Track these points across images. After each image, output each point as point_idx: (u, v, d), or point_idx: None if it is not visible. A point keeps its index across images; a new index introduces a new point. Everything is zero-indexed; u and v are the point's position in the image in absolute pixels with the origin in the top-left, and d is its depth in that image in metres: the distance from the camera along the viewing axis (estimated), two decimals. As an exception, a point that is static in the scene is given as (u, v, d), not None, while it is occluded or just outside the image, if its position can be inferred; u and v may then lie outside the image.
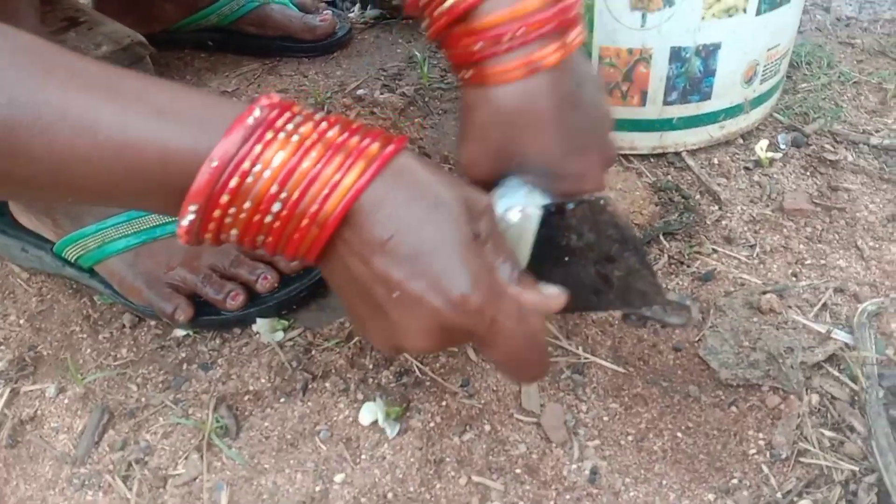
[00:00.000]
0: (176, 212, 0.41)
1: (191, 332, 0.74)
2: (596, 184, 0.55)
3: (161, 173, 0.40)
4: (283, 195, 0.40)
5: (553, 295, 0.49)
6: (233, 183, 0.39)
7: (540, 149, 0.53)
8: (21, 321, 0.78)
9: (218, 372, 0.71)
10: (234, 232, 0.42)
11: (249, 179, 0.40)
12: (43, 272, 0.82)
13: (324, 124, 0.42)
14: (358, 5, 1.21)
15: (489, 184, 0.53)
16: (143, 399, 0.69)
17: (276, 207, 0.41)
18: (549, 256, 0.52)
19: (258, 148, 0.39)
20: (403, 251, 0.42)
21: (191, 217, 0.40)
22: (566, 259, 0.52)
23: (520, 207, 0.50)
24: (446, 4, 0.50)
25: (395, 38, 1.19)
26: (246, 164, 0.39)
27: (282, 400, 0.68)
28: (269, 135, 0.40)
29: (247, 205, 0.40)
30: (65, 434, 0.68)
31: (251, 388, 0.69)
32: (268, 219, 0.41)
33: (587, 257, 0.52)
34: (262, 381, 0.69)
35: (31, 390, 0.71)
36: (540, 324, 0.48)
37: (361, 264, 0.44)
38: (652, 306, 0.53)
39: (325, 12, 1.14)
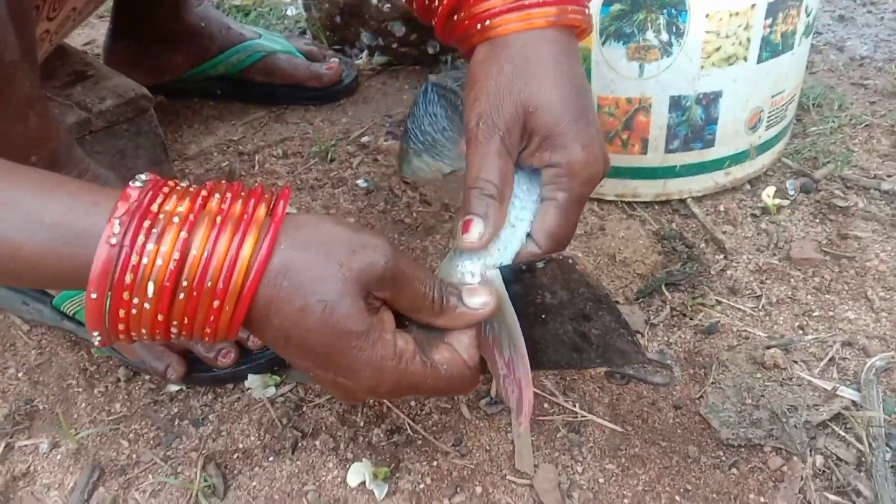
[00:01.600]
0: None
1: (183, 388, 0.73)
2: (602, 166, 0.54)
3: (45, 280, 0.43)
4: (174, 321, 0.42)
5: (479, 306, 0.50)
6: (121, 314, 0.40)
7: (547, 100, 0.53)
8: (20, 374, 0.78)
9: (209, 428, 0.70)
10: (146, 340, 0.44)
11: (134, 311, 0.40)
12: (43, 325, 0.82)
13: (198, 200, 0.42)
14: (365, 52, 1.22)
15: (495, 162, 0.52)
16: (133, 456, 0.69)
17: (174, 330, 0.42)
18: (526, 314, 0.51)
19: (129, 277, 0.39)
20: (305, 349, 0.45)
21: (98, 338, 0.42)
22: (543, 317, 0.52)
23: (478, 271, 0.51)
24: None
25: (401, 85, 1.19)
26: (125, 295, 0.40)
27: (270, 458, 0.67)
28: (134, 258, 0.40)
29: (143, 330, 0.42)
30: (56, 491, 0.67)
31: (241, 445, 0.68)
32: (171, 334, 0.43)
33: (563, 315, 0.51)
34: (252, 438, 0.68)
35: (26, 445, 0.71)
36: (456, 366, 0.49)
37: (275, 350, 0.47)
38: (633, 364, 0.52)
39: (331, 60, 1.15)
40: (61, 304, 0.76)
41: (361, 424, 0.68)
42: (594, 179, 0.54)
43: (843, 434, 0.64)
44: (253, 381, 0.71)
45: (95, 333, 0.41)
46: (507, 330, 0.50)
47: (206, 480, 0.65)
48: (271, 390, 0.72)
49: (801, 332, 0.74)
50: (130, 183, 0.41)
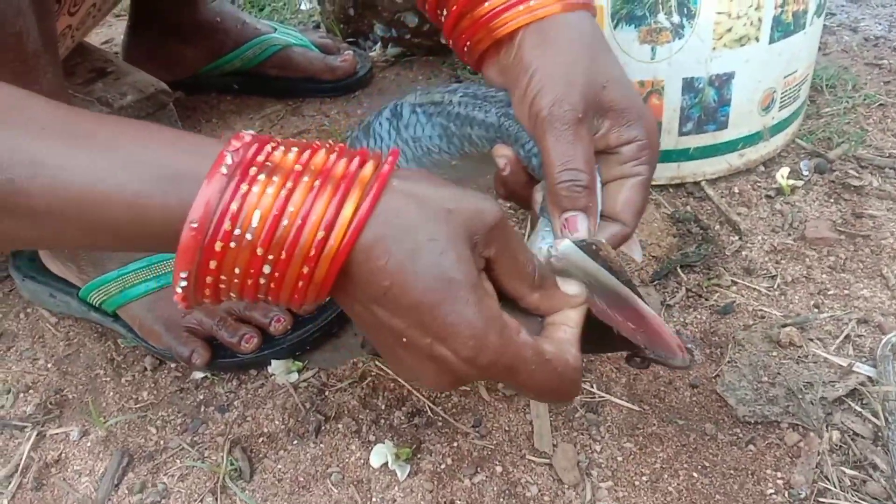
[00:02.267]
0: (173, 248, 0.39)
1: (209, 375, 0.75)
2: (658, 142, 0.54)
3: (138, 229, 0.39)
4: (271, 256, 0.39)
5: (574, 294, 0.47)
6: (217, 247, 0.38)
7: (616, 74, 0.52)
8: (49, 365, 0.80)
9: (234, 414, 0.72)
10: (232, 294, 0.41)
11: (233, 243, 0.38)
12: (70, 316, 0.84)
13: (306, 153, 0.40)
14: (379, 44, 1.23)
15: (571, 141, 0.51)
16: (161, 442, 0.70)
17: (266, 269, 0.39)
18: None
19: (234, 206, 0.38)
20: (404, 302, 0.40)
21: (183, 284, 0.39)
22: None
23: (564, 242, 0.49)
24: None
25: (415, 76, 1.20)
26: (227, 225, 0.38)
27: (295, 442, 0.68)
28: (244, 187, 0.38)
29: (237, 270, 0.39)
30: (87, 477, 0.69)
31: (265, 430, 0.70)
32: (262, 280, 0.40)
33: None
34: (277, 422, 0.70)
35: (57, 433, 0.73)
36: (562, 360, 0.45)
37: (366, 311, 0.42)
38: (654, 348, 0.53)
39: (346, 52, 1.16)
40: (87, 295, 0.78)
41: (383, 407, 0.70)
42: (659, 153, 0.54)
43: (859, 409, 0.65)
44: (276, 366, 0.73)
45: (183, 275, 0.39)
46: (614, 291, 0.49)
47: (232, 464, 0.67)
48: (294, 375, 0.73)
49: (816, 310, 0.74)
50: (239, 134, 0.40)
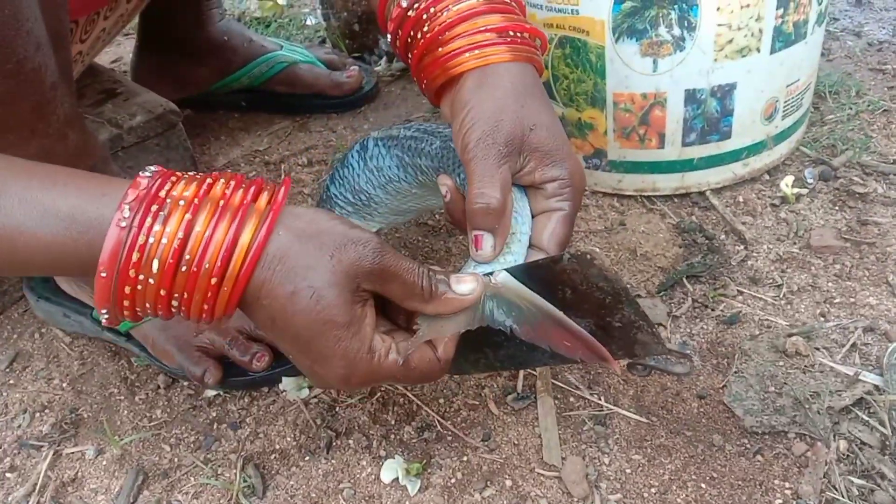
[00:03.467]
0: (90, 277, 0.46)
1: (221, 392, 0.76)
2: (582, 182, 0.59)
3: (59, 268, 0.47)
4: (175, 294, 0.45)
5: (466, 293, 0.52)
6: (126, 290, 0.44)
7: (544, 120, 0.57)
8: (64, 384, 0.81)
9: (246, 431, 0.72)
10: (149, 315, 0.48)
11: (139, 287, 0.44)
12: (84, 336, 0.85)
13: (205, 184, 0.46)
14: (384, 59, 1.25)
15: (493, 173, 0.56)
16: (175, 459, 0.71)
17: (174, 303, 0.46)
18: None
19: (136, 256, 0.44)
20: (287, 335, 0.48)
21: (105, 315, 0.46)
22: (566, 312, 0.53)
23: (496, 269, 0.54)
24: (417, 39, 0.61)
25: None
26: (131, 272, 0.44)
27: (306, 458, 0.69)
28: (141, 238, 0.44)
29: (147, 305, 0.46)
30: (103, 495, 0.70)
31: (277, 446, 0.71)
32: (172, 309, 0.46)
33: (583, 310, 0.52)
34: (288, 439, 0.71)
35: (73, 452, 0.74)
36: (429, 365, 0.52)
37: (263, 331, 0.52)
38: (653, 356, 0.54)
39: (351, 68, 1.17)
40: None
41: (393, 423, 0.71)
42: (584, 191, 0.60)
43: (866, 418, 0.65)
44: (287, 383, 0.74)
45: (104, 311, 0.46)
46: (542, 312, 0.53)
47: (245, 481, 0.68)
48: (305, 392, 0.74)
49: (822, 319, 0.75)
50: (140, 173, 0.46)
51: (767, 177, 0.92)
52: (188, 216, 0.44)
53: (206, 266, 0.44)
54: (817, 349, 0.71)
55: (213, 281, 0.45)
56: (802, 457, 0.64)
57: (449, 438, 0.69)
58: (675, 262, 0.83)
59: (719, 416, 0.68)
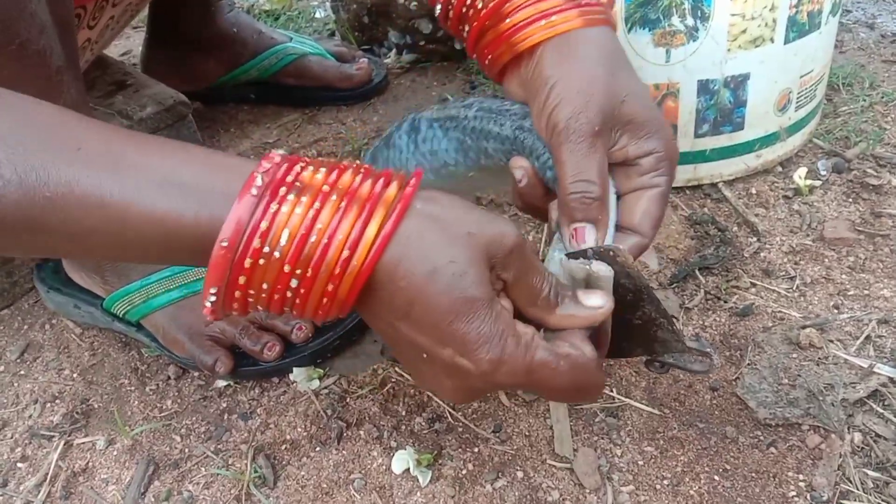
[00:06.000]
0: (202, 262, 0.41)
1: (231, 383, 0.76)
2: (677, 153, 0.55)
3: (170, 245, 0.41)
4: (298, 271, 0.40)
5: (596, 306, 0.47)
6: (247, 263, 0.40)
7: (635, 88, 0.53)
8: (75, 375, 0.81)
9: (257, 421, 0.72)
10: (259, 307, 0.43)
11: (261, 260, 0.40)
12: (95, 327, 0.85)
13: (334, 173, 0.42)
14: (394, 51, 1.24)
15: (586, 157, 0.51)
16: (186, 450, 0.71)
17: (293, 283, 0.41)
18: None
19: (264, 224, 0.39)
20: (426, 320, 0.42)
21: (212, 298, 0.41)
22: None
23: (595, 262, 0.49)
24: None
25: (430, 82, 1.21)
26: (256, 243, 0.39)
27: (317, 449, 0.69)
28: (273, 206, 0.39)
29: (264, 285, 0.41)
30: (114, 485, 0.70)
31: (288, 437, 0.70)
32: (289, 293, 0.41)
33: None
34: (299, 429, 0.71)
35: (83, 443, 0.74)
36: (580, 355, 0.46)
37: (388, 327, 0.44)
38: (673, 353, 0.53)
39: (361, 60, 1.17)
40: (111, 305, 0.79)
41: (403, 413, 0.70)
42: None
43: (880, 411, 0.65)
44: (298, 373, 0.74)
45: (211, 292, 0.41)
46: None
47: (256, 471, 0.68)
48: (315, 383, 0.74)
49: (836, 311, 0.74)
50: (270, 152, 0.42)
51: (780, 168, 0.92)
52: (320, 198, 0.40)
53: (338, 241, 0.40)
54: (831, 341, 0.71)
55: (345, 254, 0.40)
56: (816, 449, 0.63)
57: (460, 430, 0.69)
58: (687, 254, 0.83)
59: (732, 408, 0.67)
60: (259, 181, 0.40)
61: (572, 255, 0.51)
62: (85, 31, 0.81)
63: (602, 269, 0.48)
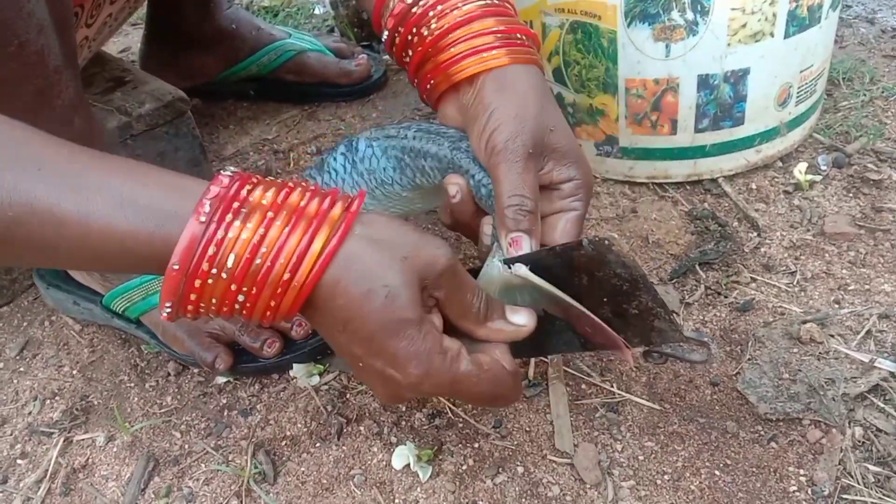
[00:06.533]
0: (156, 273, 0.45)
1: (231, 379, 0.76)
2: (592, 184, 0.61)
3: (127, 260, 0.44)
4: (244, 288, 0.45)
5: (520, 325, 0.53)
6: (196, 284, 0.44)
7: (561, 121, 0.59)
8: (74, 372, 0.81)
9: (257, 417, 0.72)
10: (210, 315, 0.47)
11: (210, 280, 0.44)
12: (94, 323, 0.85)
13: (283, 192, 0.45)
14: (393, 47, 1.24)
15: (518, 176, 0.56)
16: (186, 446, 0.71)
17: (240, 298, 0.45)
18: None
19: (212, 249, 0.43)
20: (360, 335, 0.47)
21: (168, 309, 0.45)
22: (583, 298, 0.53)
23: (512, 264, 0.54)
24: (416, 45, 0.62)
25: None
26: (205, 266, 0.43)
27: (317, 444, 0.69)
28: (220, 233, 0.43)
29: (213, 300, 0.45)
30: (114, 482, 0.70)
31: (288, 433, 0.70)
32: (237, 306, 0.46)
33: (600, 296, 0.52)
34: (299, 425, 0.71)
35: (83, 439, 0.74)
36: (499, 368, 0.52)
37: (328, 335, 0.50)
38: (671, 343, 0.53)
39: (360, 56, 1.16)
40: (111, 302, 0.79)
41: (403, 409, 0.70)
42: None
43: (881, 405, 0.65)
44: (298, 370, 0.74)
45: (167, 304, 0.45)
46: (564, 302, 0.53)
47: (256, 467, 0.68)
48: (315, 379, 0.74)
49: (836, 306, 0.74)
50: (221, 172, 0.45)
51: (780, 163, 0.92)
52: (266, 219, 0.44)
53: (280, 264, 0.44)
54: (832, 336, 0.71)
55: (286, 277, 0.44)
56: (817, 444, 0.63)
57: (460, 425, 0.68)
58: (687, 250, 0.83)
59: (733, 403, 0.67)
60: (206, 207, 0.43)
61: (509, 261, 0.54)
62: (83, 30, 0.81)
63: (521, 270, 0.53)
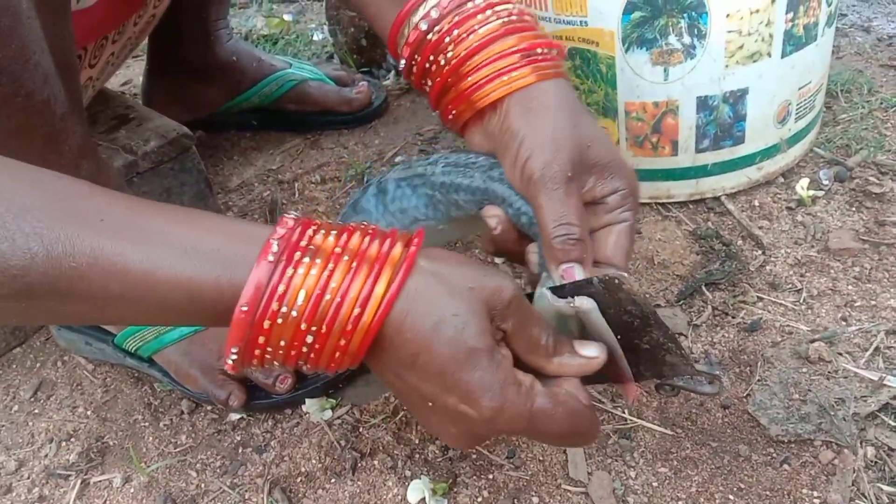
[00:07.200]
0: (223, 324, 0.44)
1: (245, 416, 0.77)
2: (638, 188, 0.59)
3: (192, 308, 0.43)
4: (314, 328, 0.43)
5: (591, 356, 0.50)
6: (265, 325, 0.42)
7: (597, 134, 0.57)
8: (88, 412, 0.81)
9: (271, 454, 0.73)
10: (276, 363, 0.45)
11: (279, 320, 0.42)
12: (107, 363, 0.86)
13: (344, 236, 0.45)
14: (393, 73, 1.25)
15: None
16: (202, 485, 0.72)
17: (309, 339, 0.43)
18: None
19: (281, 287, 0.42)
20: (431, 368, 0.45)
21: (234, 357, 0.44)
22: (593, 336, 0.53)
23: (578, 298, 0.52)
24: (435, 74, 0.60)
25: (429, 103, 1.21)
26: (274, 305, 0.42)
27: (332, 480, 0.69)
28: (289, 271, 0.42)
29: (282, 343, 0.43)
30: (132, 523, 0.70)
31: (303, 469, 0.71)
32: (304, 349, 0.44)
33: (612, 333, 0.52)
34: (313, 461, 0.71)
35: (100, 481, 0.75)
36: (576, 401, 0.49)
37: (395, 378, 0.47)
38: (682, 376, 0.53)
39: (360, 84, 1.17)
40: (123, 341, 0.79)
41: (417, 442, 0.71)
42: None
43: (893, 424, 0.65)
44: (310, 405, 0.74)
45: (233, 350, 0.43)
46: (609, 341, 0.52)
47: (272, 505, 0.68)
48: (328, 413, 0.74)
49: (844, 323, 0.74)
50: (284, 215, 0.45)
51: (782, 180, 0.92)
52: (333, 259, 0.43)
53: (350, 299, 0.43)
54: (840, 354, 0.71)
55: (356, 312, 0.43)
56: (830, 465, 0.63)
57: (474, 457, 0.69)
58: (692, 270, 0.83)
59: (744, 426, 0.68)
60: (275, 247, 0.42)
61: (556, 290, 0.53)
62: (86, 70, 0.82)
63: (585, 303, 0.51)
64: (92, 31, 0.80)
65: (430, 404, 0.46)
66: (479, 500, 0.65)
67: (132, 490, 0.73)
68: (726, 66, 0.80)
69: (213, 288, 0.42)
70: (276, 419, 0.76)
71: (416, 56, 0.61)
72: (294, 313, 0.42)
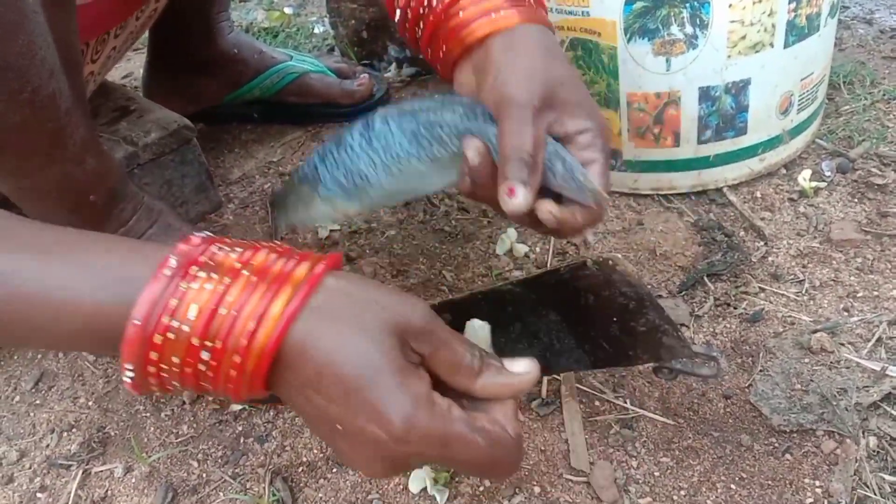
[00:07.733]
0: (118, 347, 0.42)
1: (246, 406, 0.76)
2: (610, 134, 0.61)
3: (89, 329, 0.42)
4: (208, 343, 0.41)
5: (522, 373, 0.48)
6: (157, 339, 0.41)
7: (571, 75, 0.60)
8: (90, 403, 0.81)
9: (273, 444, 0.73)
10: (175, 384, 0.43)
11: (171, 335, 0.41)
12: (107, 354, 0.86)
13: (248, 252, 0.44)
14: (394, 65, 1.25)
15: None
16: (204, 475, 0.72)
17: (205, 356, 0.42)
18: (573, 315, 0.53)
19: (174, 301, 0.41)
20: (336, 388, 0.43)
21: (130, 374, 0.42)
22: (591, 317, 0.53)
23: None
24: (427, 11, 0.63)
25: (431, 94, 1.21)
26: (165, 319, 0.41)
27: (334, 470, 0.69)
28: (183, 285, 0.41)
29: (175, 359, 0.42)
30: (133, 513, 0.71)
31: (304, 459, 0.71)
32: (201, 367, 0.42)
33: (608, 315, 0.52)
34: (315, 451, 0.71)
35: (101, 471, 0.75)
36: (500, 430, 0.46)
37: (305, 401, 0.44)
38: (680, 359, 0.54)
39: (362, 76, 1.17)
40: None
41: (418, 432, 0.71)
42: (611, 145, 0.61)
43: (895, 414, 0.65)
44: (311, 396, 0.74)
45: (128, 367, 0.42)
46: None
47: (274, 495, 0.68)
48: (329, 404, 0.74)
49: (846, 313, 0.74)
50: (192, 234, 0.44)
51: (784, 171, 0.92)
52: (227, 279, 0.42)
53: (246, 314, 0.41)
54: (842, 345, 0.71)
55: (250, 326, 0.41)
56: (832, 454, 0.63)
57: (475, 446, 0.69)
58: (694, 261, 0.83)
59: (746, 416, 0.68)
60: (173, 262, 0.42)
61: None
62: (88, 65, 0.82)
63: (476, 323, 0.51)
64: (95, 27, 0.80)
65: (340, 427, 0.44)
66: (481, 489, 0.65)
67: (133, 480, 0.73)
68: (728, 56, 0.79)
69: (110, 309, 0.41)
70: (278, 409, 0.76)
71: (410, 3, 0.64)
72: (185, 328, 0.41)
